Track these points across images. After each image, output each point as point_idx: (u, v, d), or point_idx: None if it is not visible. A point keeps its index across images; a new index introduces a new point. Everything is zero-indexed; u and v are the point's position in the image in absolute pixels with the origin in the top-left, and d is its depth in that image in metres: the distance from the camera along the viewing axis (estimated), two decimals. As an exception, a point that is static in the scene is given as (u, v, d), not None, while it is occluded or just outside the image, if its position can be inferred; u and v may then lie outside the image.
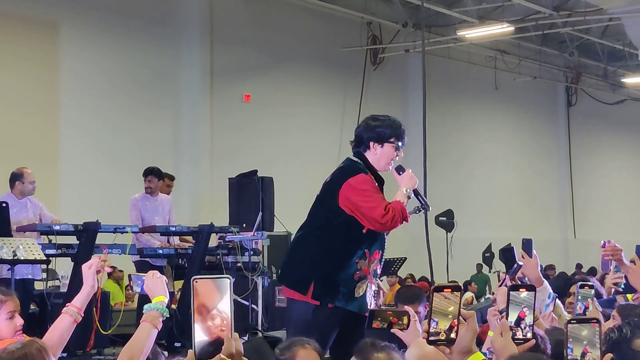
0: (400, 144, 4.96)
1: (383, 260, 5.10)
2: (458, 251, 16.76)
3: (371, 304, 4.98)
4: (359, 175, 4.89)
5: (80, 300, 3.53)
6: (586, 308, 3.71)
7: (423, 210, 5.09)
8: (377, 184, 4.96)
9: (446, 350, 2.41)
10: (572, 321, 2.46)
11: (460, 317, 2.41)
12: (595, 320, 2.46)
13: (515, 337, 2.53)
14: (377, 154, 4.95)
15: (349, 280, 4.90)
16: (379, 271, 5.07)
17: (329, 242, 4.98)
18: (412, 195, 4.95)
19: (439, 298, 2.38)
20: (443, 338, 2.38)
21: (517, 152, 22.45)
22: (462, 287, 2.45)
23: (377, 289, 5.06)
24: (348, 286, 4.90)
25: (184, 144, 15.46)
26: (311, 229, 5.07)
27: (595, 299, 3.78)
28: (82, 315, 3.53)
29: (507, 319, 2.55)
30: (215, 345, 1.99)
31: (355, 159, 5.01)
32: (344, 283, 4.91)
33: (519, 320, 2.55)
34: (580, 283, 3.82)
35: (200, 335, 2.01)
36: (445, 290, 2.38)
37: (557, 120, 24.25)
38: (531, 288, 2.60)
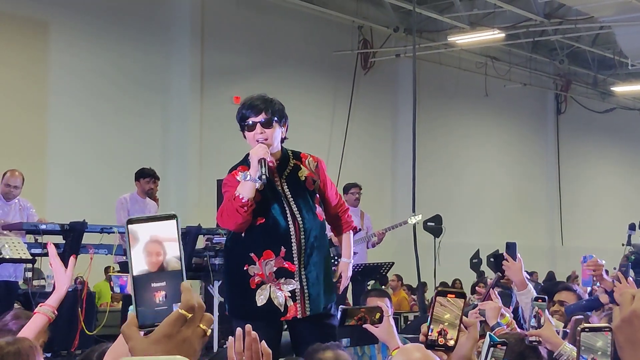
0: (244, 123, 4.96)
1: (297, 254, 4.60)
2: (445, 256, 16.76)
3: (287, 304, 4.57)
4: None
5: (54, 299, 3.45)
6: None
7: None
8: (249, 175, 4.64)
9: (444, 357, 2.37)
10: (585, 329, 2.33)
11: (462, 325, 2.34)
12: (608, 329, 2.39)
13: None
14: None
15: (247, 291, 4.59)
16: (293, 268, 4.58)
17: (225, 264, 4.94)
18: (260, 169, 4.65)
19: (440, 303, 2.31)
20: (441, 344, 2.31)
21: (506, 158, 22.47)
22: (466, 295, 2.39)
23: (296, 287, 4.58)
24: (248, 297, 4.59)
25: (173, 144, 15.41)
26: None
27: (547, 310, 3.76)
28: (56, 313, 3.45)
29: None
30: (161, 313, 1.71)
31: None
32: (243, 295, 4.62)
33: None
34: (535, 296, 3.82)
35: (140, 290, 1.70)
36: (448, 295, 2.31)
37: (547, 128, 24.29)
38: None
